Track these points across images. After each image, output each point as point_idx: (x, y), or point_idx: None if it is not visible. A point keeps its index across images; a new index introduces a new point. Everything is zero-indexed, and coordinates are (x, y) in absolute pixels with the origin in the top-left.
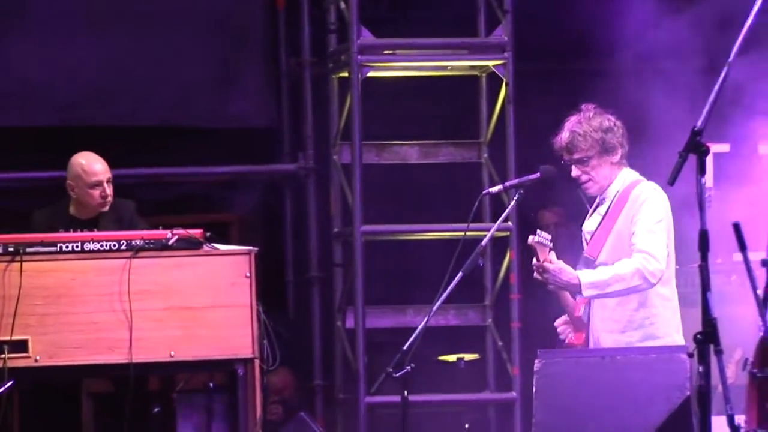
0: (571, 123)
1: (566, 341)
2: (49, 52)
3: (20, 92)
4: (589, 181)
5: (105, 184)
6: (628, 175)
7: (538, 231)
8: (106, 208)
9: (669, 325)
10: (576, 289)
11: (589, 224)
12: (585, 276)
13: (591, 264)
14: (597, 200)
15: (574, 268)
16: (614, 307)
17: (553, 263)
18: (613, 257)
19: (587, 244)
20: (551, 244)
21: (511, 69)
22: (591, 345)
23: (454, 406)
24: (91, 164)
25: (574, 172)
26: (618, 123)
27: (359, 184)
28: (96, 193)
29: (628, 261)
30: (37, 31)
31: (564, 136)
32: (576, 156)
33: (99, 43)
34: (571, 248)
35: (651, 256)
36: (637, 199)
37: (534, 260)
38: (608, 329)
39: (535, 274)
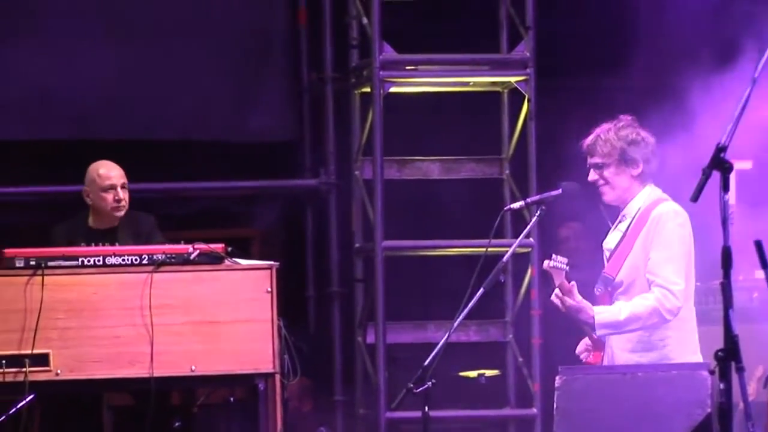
0: (600, 128)
1: (585, 361)
2: (67, 63)
3: (38, 105)
4: (605, 185)
5: (119, 189)
6: (651, 192)
7: (554, 255)
8: (121, 213)
9: (684, 347)
10: (591, 328)
11: (610, 241)
12: (601, 316)
13: (610, 282)
14: (618, 217)
15: (593, 285)
16: None
17: (572, 300)
18: (631, 277)
19: (607, 261)
20: (567, 268)
21: (533, 85)
22: (606, 363)
23: (474, 422)
24: (105, 168)
25: (591, 176)
26: (648, 139)
27: (380, 199)
28: (110, 197)
29: (645, 299)
30: (55, 42)
31: (589, 138)
32: (594, 160)
33: (119, 55)
34: (589, 265)
35: (669, 292)
36: (658, 221)
37: (553, 296)
38: (623, 348)
39: (552, 298)
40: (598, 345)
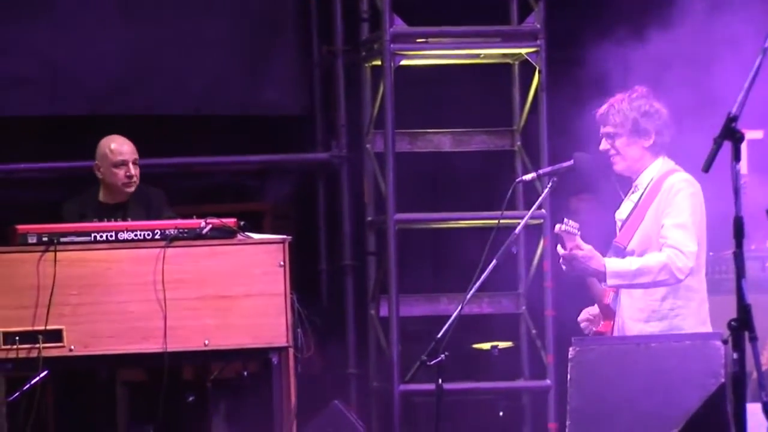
0: (614, 98)
1: (594, 330)
2: (79, 40)
3: (49, 81)
4: (617, 155)
5: (130, 165)
6: (664, 164)
7: (565, 219)
8: (132, 189)
9: (695, 317)
10: (601, 277)
11: (622, 212)
12: (611, 264)
13: (620, 252)
14: (631, 188)
15: (604, 256)
16: (640, 296)
17: (583, 249)
18: (643, 246)
19: (619, 231)
20: (578, 233)
21: (544, 56)
22: (617, 332)
23: (488, 394)
24: (117, 144)
25: (602, 145)
26: (662, 111)
27: (392, 172)
28: (121, 172)
29: (657, 255)
30: (67, 19)
31: (603, 107)
32: (606, 129)
33: (131, 31)
34: (601, 236)
35: (680, 251)
36: (670, 191)
37: (560, 248)
38: (633, 317)
39: (561, 261)
40: (608, 313)
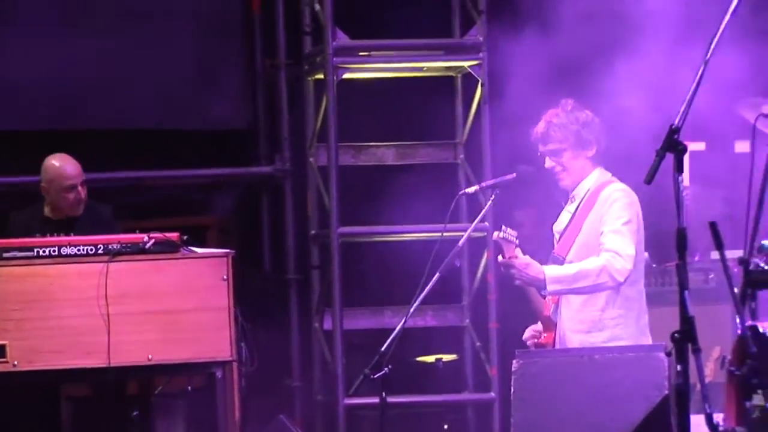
0: (548, 115)
1: (537, 341)
2: (26, 54)
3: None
4: (563, 172)
5: (79, 188)
6: (600, 175)
7: (503, 227)
8: (80, 211)
9: (635, 326)
10: (541, 285)
11: (559, 223)
12: (550, 271)
13: (559, 262)
14: (569, 199)
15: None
16: (580, 307)
17: (519, 258)
18: (581, 256)
19: (557, 243)
20: (517, 241)
21: (486, 69)
22: (558, 344)
23: (432, 407)
24: (65, 168)
25: (547, 163)
26: (596, 120)
27: (336, 185)
28: (71, 196)
29: (596, 259)
30: (12, 32)
31: (540, 126)
32: (550, 147)
33: (77, 44)
34: (546, 249)
35: (618, 254)
36: (607, 200)
37: (500, 257)
38: (574, 329)
39: (502, 269)
40: (549, 325)
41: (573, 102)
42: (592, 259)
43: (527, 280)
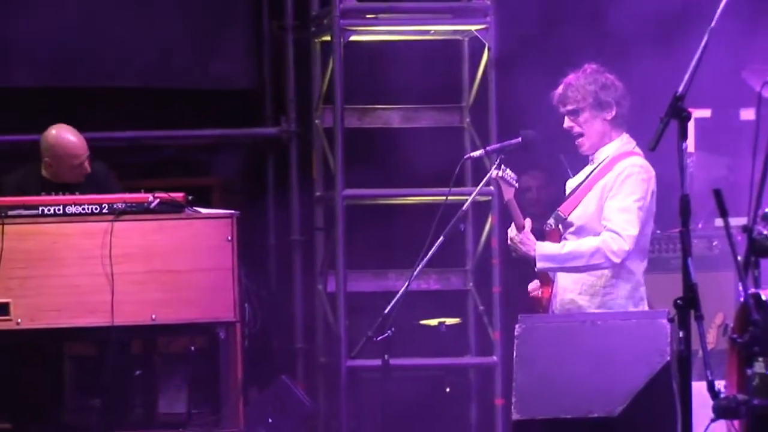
0: (568, 77)
1: (532, 295)
2: (27, 12)
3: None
4: (581, 136)
5: (85, 163)
6: (624, 143)
7: (502, 166)
8: (82, 179)
9: (628, 299)
10: (532, 261)
11: (573, 181)
12: (542, 248)
13: (561, 220)
14: (589, 160)
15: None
16: None
17: (515, 235)
18: (582, 220)
19: (565, 200)
20: (516, 184)
21: (494, 33)
22: (553, 300)
23: (435, 370)
24: (72, 147)
25: (566, 123)
26: (618, 83)
27: (341, 148)
28: (76, 171)
29: (593, 239)
30: None
31: (560, 88)
32: (569, 107)
33: (79, 3)
34: (550, 213)
35: (618, 235)
36: (622, 172)
37: (509, 230)
38: (568, 288)
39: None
40: (547, 281)
41: (596, 66)
42: (588, 240)
43: (521, 255)
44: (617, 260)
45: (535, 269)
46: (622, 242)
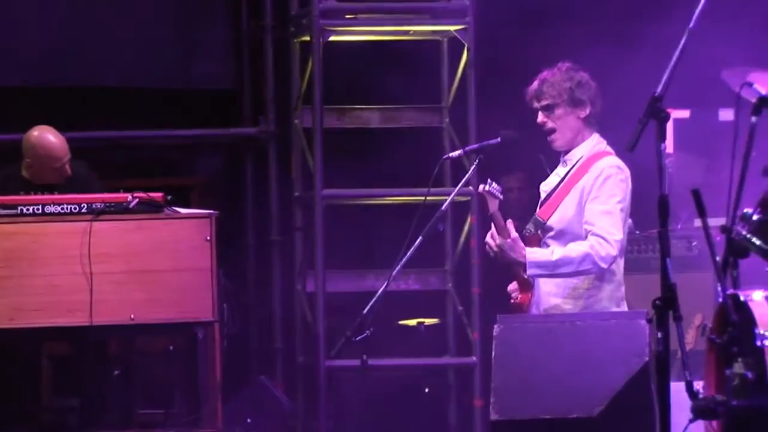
0: (543, 73)
1: (513, 301)
2: (8, 11)
3: None
4: (555, 132)
5: (66, 165)
6: (596, 143)
7: (489, 180)
8: (62, 180)
9: (609, 300)
10: (522, 267)
11: (547, 184)
12: (532, 254)
13: (540, 225)
14: (560, 162)
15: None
16: None
17: (503, 240)
18: (561, 224)
19: (540, 206)
20: (501, 197)
21: (473, 33)
22: (533, 305)
23: (413, 370)
24: (54, 149)
25: (540, 118)
26: (592, 82)
27: (320, 148)
28: (57, 173)
29: (579, 245)
30: None
31: (534, 84)
32: (543, 102)
33: (58, 2)
34: (530, 215)
35: (606, 240)
36: (600, 174)
37: (488, 237)
38: (551, 293)
39: (487, 238)
40: (527, 286)
41: (570, 64)
42: (576, 246)
43: (510, 261)
44: (605, 266)
45: (526, 276)
46: (609, 248)
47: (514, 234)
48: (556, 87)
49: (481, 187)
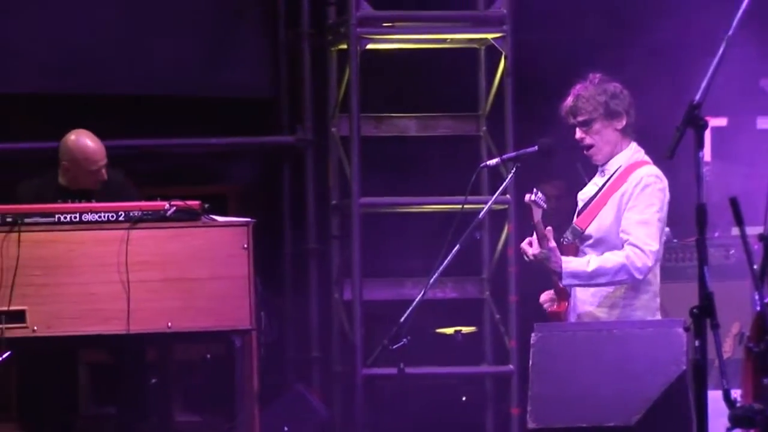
0: (576, 88)
1: (550, 310)
2: (43, 17)
3: (12, 59)
4: (593, 147)
5: (102, 170)
6: (634, 152)
7: (535, 190)
8: (98, 186)
9: (645, 309)
10: (558, 277)
11: (584, 194)
12: (569, 264)
13: (578, 234)
14: (598, 171)
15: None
16: None
17: (541, 251)
18: (600, 233)
19: (578, 215)
20: (545, 206)
21: (510, 42)
22: (570, 314)
23: (451, 379)
24: (91, 152)
25: (578, 134)
26: (625, 92)
27: (357, 156)
28: (93, 177)
29: (616, 254)
30: None
31: (569, 100)
32: (580, 118)
33: (92, 11)
34: (569, 223)
35: (641, 251)
36: (638, 183)
37: (524, 244)
38: (587, 301)
39: (522, 245)
40: (563, 295)
41: (601, 75)
42: (612, 256)
43: (547, 269)
44: (640, 277)
45: (561, 285)
46: (645, 258)
47: (552, 244)
48: (591, 102)
49: (527, 197)
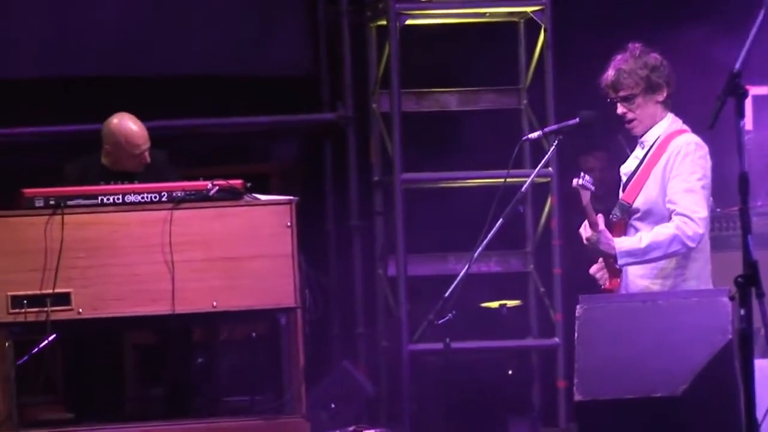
0: (616, 61)
1: (603, 287)
2: (89, 2)
3: (55, 42)
4: (635, 120)
5: (145, 153)
6: (672, 121)
7: (582, 173)
8: (141, 168)
9: (698, 278)
10: (613, 259)
11: (626, 168)
12: (621, 244)
13: (626, 209)
14: (637, 144)
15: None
16: None
17: (592, 234)
18: (647, 205)
19: (623, 190)
20: (593, 188)
21: (549, 14)
22: (623, 290)
23: (496, 353)
24: (134, 136)
25: (620, 109)
26: (664, 62)
27: (398, 132)
28: (136, 160)
29: (666, 226)
30: None
31: (609, 73)
32: (621, 94)
33: None
34: (613, 193)
35: (691, 219)
36: (679, 151)
37: (582, 228)
38: (640, 275)
39: (580, 230)
40: (615, 271)
41: (641, 46)
42: (662, 229)
43: (599, 253)
44: (693, 245)
45: (617, 266)
46: (696, 226)
47: (602, 227)
48: (633, 76)
49: (574, 181)
